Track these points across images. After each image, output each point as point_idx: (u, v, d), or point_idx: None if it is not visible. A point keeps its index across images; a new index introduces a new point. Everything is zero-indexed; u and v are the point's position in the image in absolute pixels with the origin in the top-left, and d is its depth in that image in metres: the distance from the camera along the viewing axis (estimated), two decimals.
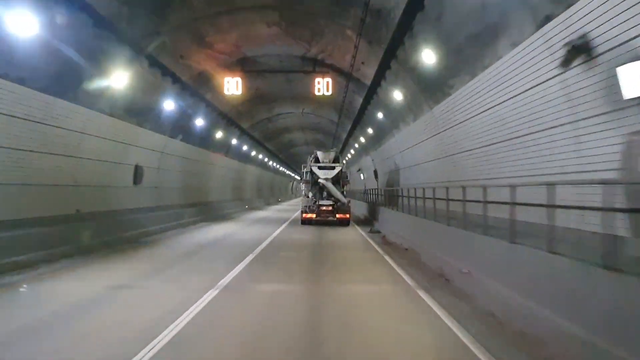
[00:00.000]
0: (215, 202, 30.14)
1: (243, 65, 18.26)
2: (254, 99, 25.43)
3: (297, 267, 10.86)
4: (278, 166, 58.24)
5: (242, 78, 17.57)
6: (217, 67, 17.94)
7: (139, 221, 17.09)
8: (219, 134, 25.80)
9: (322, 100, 26.06)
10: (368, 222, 24.32)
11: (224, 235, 17.85)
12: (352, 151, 36.71)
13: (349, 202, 22.77)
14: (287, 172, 70.26)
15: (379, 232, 18.61)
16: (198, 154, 25.03)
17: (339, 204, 22.02)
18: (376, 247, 14.36)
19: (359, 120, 24.08)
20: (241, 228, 21.36)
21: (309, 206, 22.30)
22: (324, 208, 21.97)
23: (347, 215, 22.09)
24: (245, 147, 34.07)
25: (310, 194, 23.36)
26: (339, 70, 18.45)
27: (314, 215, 21.91)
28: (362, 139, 28.28)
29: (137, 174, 17.72)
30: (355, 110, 23.08)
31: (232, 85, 17.61)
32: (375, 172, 29.40)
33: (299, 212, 31.20)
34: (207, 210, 26.41)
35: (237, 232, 19.49)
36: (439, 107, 12.79)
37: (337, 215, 21.82)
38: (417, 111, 14.94)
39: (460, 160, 12.29)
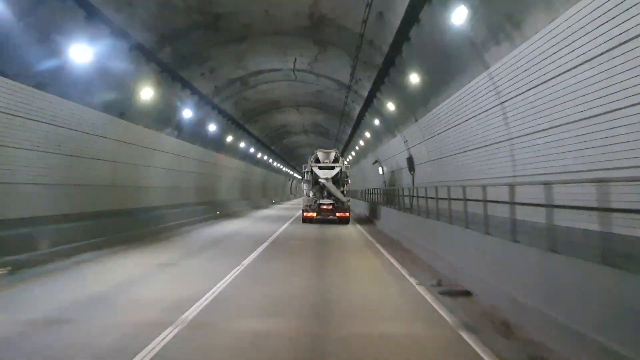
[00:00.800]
0: (159, 208, 19.22)
1: None
2: (204, 24, 14.45)
3: None
4: (272, 161, 47.41)
5: None
6: None
7: None
8: (147, 94, 14.91)
9: (327, 35, 15.14)
10: (402, 248, 13.48)
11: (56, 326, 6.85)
12: (368, 134, 25.89)
13: (348, 201, 23.05)
14: (285, 169, 59.98)
15: (467, 294, 7.60)
16: (111, 126, 14.15)
17: (339, 203, 22.34)
18: None
19: (393, 58, 13.12)
20: (159, 271, 10.07)
21: (310, 205, 22.71)
22: (325, 207, 22.37)
23: (347, 214, 22.47)
24: (213, 128, 23.13)
25: (311, 194, 23.52)
26: None
27: (314, 214, 22.38)
28: (391, 106, 17.33)
29: None
30: (389, 38, 12.15)
31: None
32: (410, 160, 18.48)
33: (292, 221, 24.42)
34: (125, 224, 15.38)
35: (131, 286, 8.38)
36: None
37: (337, 214, 22.23)
38: None
39: None
